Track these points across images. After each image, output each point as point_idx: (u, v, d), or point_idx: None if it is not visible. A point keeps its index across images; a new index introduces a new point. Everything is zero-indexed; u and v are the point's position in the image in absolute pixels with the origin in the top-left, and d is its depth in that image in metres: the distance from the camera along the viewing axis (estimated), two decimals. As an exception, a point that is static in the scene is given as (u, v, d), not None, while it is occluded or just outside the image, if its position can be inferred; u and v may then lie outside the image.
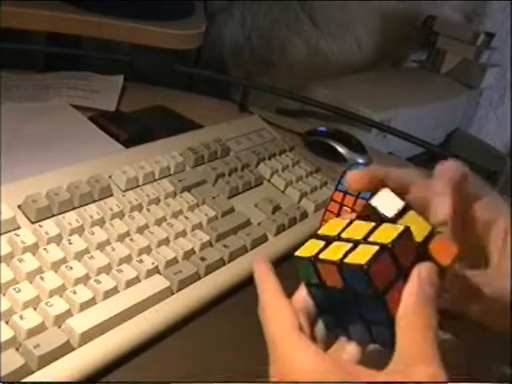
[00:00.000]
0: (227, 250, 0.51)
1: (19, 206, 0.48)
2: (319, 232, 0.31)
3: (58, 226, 0.47)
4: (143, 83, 0.85)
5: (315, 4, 1.16)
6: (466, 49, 1.12)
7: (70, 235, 0.47)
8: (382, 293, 0.28)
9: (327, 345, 0.32)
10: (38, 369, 0.38)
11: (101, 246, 0.47)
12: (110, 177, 0.54)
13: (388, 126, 0.87)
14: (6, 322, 0.39)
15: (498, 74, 1.22)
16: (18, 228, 0.46)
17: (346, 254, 0.28)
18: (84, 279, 0.44)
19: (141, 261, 0.47)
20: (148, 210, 0.52)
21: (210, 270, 0.50)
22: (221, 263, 0.51)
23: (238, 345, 0.45)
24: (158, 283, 0.46)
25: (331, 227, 0.31)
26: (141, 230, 0.50)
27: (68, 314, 0.41)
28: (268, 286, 0.32)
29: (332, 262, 0.28)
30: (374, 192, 0.32)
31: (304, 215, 0.60)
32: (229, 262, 0.51)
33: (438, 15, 1.15)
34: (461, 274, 0.32)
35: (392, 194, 0.32)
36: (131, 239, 0.49)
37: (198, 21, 0.93)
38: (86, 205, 0.50)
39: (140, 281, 0.46)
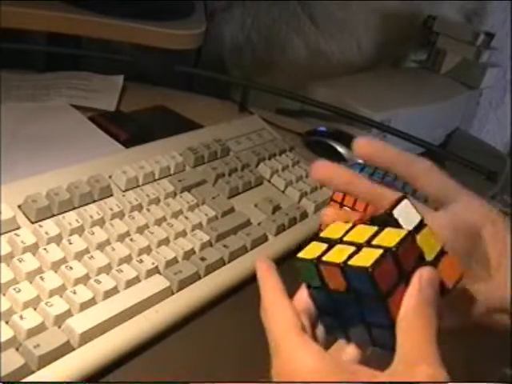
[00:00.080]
0: (227, 250, 0.51)
1: (19, 206, 0.48)
2: (321, 235, 0.31)
3: (57, 226, 0.47)
4: (143, 83, 0.85)
5: (315, 4, 1.16)
6: (466, 49, 1.12)
7: (70, 235, 0.47)
8: (385, 296, 0.28)
9: (327, 347, 0.32)
10: (38, 369, 0.38)
11: (101, 246, 0.47)
12: (110, 177, 0.54)
13: (388, 125, 0.87)
14: (6, 322, 0.40)
15: (498, 74, 1.22)
16: (18, 228, 0.46)
17: (349, 257, 0.29)
18: (84, 279, 0.44)
19: (141, 261, 0.47)
20: (148, 209, 0.52)
21: (210, 269, 0.50)
22: (221, 263, 0.51)
23: (238, 345, 0.45)
24: (158, 283, 0.46)
25: (333, 230, 0.31)
26: (141, 230, 0.50)
27: (68, 314, 0.41)
28: (270, 286, 0.32)
29: (336, 265, 0.29)
30: (395, 203, 0.32)
31: (304, 215, 0.60)
32: (229, 261, 0.51)
33: (438, 15, 1.15)
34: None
35: (411, 207, 0.32)
36: (131, 239, 0.49)
37: (198, 21, 0.93)
38: (85, 205, 0.50)
39: (140, 281, 0.46)
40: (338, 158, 0.76)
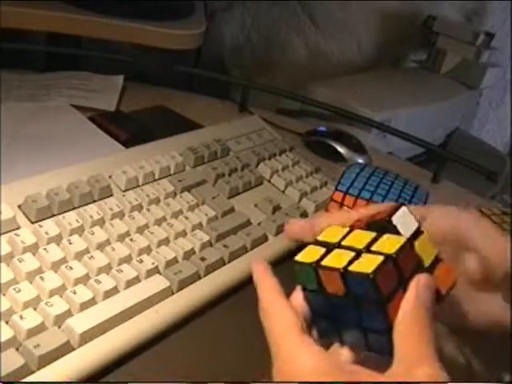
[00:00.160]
0: (227, 250, 0.51)
1: (19, 206, 0.48)
2: (319, 238, 0.31)
3: (58, 226, 0.47)
4: (143, 83, 0.85)
5: (315, 4, 1.16)
6: (466, 49, 1.12)
7: (70, 235, 0.47)
8: (385, 301, 0.28)
9: (325, 349, 0.32)
10: (38, 369, 0.38)
11: (101, 246, 0.47)
12: (110, 177, 0.54)
13: (388, 125, 0.87)
14: (6, 322, 0.39)
15: (498, 74, 1.22)
16: (18, 228, 0.46)
17: (349, 262, 0.29)
18: (84, 279, 0.44)
19: (141, 261, 0.47)
20: (148, 209, 0.52)
21: (210, 269, 0.50)
22: (221, 263, 0.51)
23: (238, 345, 0.45)
24: (158, 283, 0.46)
25: (331, 234, 0.32)
26: (141, 229, 0.50)
27: (68, 313, 0.41)
28: (268, 286, 0.32)
29: (336, 270, 0.29)
30: (393, 210, 0.32)
31: (304, 215, 0.60)
32: (229, 261, 0.51)
33: (438, 15, 1.15)
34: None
35: (409, 215, 0.32)
36: (131, 239, 0.49)
37: (198, 21, 0.93)
38: (86, 205, 0.50)
39: (140, 281, 0.46)
40: (337, 157, 0.76)
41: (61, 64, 0.86)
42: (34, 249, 0.45)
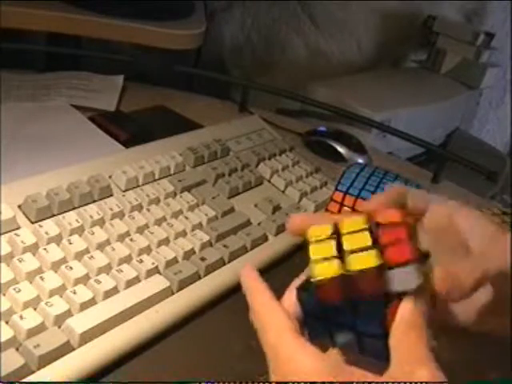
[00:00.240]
0: (227, 250, 0.51)
1: (19, 206, 0.48)
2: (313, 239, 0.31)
3: (58, 226, 0.47)
4: (143, 83, 0.85)
5: (315, 4, 1.16)
6: (466, 49, 1.12)
7: (70, 235, 0.47)
8: (384, 305, 0.28)
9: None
10: (38, 369, 0.38)
11: (101, 246, 0.47)
12: (110, 177, 0.54)
13: (388, 125, 0.87)
14: (6, 322, 0.39)
15: (498, 74, 1.22)
16: (18, 228, 0.46)
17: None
18: (84, 279, 0.44)
19: (141, 261, 0.47)
20: (148, 209, 0.52)
21: (210, 269, 0.50)
22: (221, 263, 0.51)
23: (238, 345, 0.45)
24: (158, 283, 0.46)
25: (318, 234, 0.31)
26: (141, 229, 0.50)
27: (68, 313, 0.41)
28: (259, 290, 0.32)
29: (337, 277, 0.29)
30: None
31: (304, 215, 0.60)
32: (229, 261, 0.51)
33: (438, 15, 1.16)
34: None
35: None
36: (131, 239, 0.49)
37: (198, 21, 0.93)
38: (85, 205, 0.50)
39: (140, 281, 0.46)
40: (337, 157, 0.76)
41: (61, 64, 0.86)
42: (34, 249, 0.45)
